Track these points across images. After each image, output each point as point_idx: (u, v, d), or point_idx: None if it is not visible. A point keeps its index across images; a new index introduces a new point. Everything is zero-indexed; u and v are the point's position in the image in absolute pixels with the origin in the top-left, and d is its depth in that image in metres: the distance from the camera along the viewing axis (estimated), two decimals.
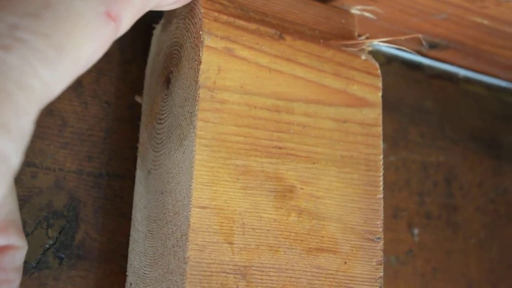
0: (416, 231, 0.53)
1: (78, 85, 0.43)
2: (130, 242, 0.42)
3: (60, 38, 0.28)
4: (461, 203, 0.56)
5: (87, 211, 0.42)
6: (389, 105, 0.55)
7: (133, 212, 0.42)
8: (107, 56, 0.44)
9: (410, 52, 0.55)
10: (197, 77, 0.38)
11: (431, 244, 0.54)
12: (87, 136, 0.43)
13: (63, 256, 0.41)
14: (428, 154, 0.55)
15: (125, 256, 0.42)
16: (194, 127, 0.37)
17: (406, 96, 0.56)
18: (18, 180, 0.40)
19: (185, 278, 0.35)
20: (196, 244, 0.36)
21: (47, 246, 0.41)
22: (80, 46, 0.29)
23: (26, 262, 0.39)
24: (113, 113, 0.44)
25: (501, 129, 0.60)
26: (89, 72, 0.43)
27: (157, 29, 0.44)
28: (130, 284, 0.41)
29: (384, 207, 0.50)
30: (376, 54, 0.55)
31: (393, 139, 0.54)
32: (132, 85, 0.45)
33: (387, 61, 0.56)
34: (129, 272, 0.41)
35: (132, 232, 0.42)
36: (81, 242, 0.42)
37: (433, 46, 0.55)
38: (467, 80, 0.60)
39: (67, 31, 0.28)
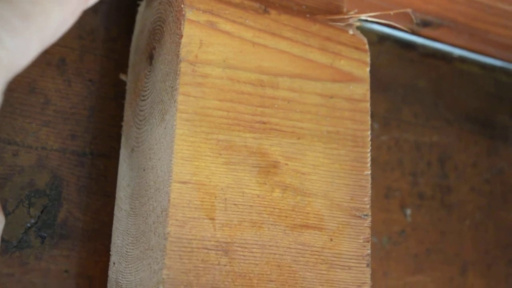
0: (409, 211, 0.52)
1: (61, 63, 0.42)
2: (114, 221, 0.41)
3: (26, 5, 0.27)
4: (455, 183, 0.55)
5: (70, 190, 0.41)
6: (381, 85, 0.54)
7: (117, 191, 0.41)
8: (92, 34, 0.44)
9: (402, 30, 0.54)
10: (179, 51, 0.37)
11: (425, 225, 0.53)
12: (70, 115, 0.42)
13: (45, 235, 0.40)
14: (421, 134, 0.55)
15: (109, 235, 0.41)
16: (175, 101, 0.36)
17: (399, 75, 0.55)
18: None
19: (165, 254, 0.34)
20: (176, 220, 0.35)
21: (28, 225, 0.40)
22: (47, 14, 0.28)
23: (7, 241, 0.39)
24: (97, 91, 0.43)
25: (496, 108, 0.59)
26: (72, 50, 0.43)
27: (142, 6, 0.43)
28: (114, 263, 0.40)
29: (376, 187, 0.50)
30: (368, 33, 0.54)
31: (385, 119, 0.53)
32: (116, 63, 0.44)
33: (379, 40, 0.55)
34: (113, 251, 0.41)
35: (116, 211, 0.41)
36: (64, 221, 0.41)
37: (426, 24, 0.54)
38: (462, 60, 0.59)
39: None
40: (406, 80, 0.55)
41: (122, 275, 0.39)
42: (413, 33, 0.56)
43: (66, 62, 0.43)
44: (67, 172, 0.42)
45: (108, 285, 0.40)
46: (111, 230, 0.41)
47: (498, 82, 0.60)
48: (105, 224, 0.42)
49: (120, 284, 0.39)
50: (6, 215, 0.39)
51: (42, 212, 0.40)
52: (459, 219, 0.55)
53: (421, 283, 0.52)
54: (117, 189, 0.41)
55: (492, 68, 0.60)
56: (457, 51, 0.58)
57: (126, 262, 0.39)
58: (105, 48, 0.44)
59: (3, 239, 0.38)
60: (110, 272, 0.41)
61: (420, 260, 0.52)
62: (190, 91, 0.37)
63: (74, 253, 0.41)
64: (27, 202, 0.40)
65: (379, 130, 0.52)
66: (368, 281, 0.39)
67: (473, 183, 0.56)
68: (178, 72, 0.37)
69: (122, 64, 0.44)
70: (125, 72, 0.44)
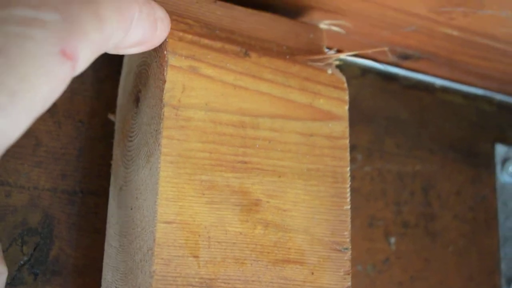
0: (393, 240, 0.54)
1: (52, 105, 0.44)
2: (105, 257, 0.43)
3: (12, 83, 0.27)
4: (439, 211, 0.57)
5: (62, 227, 0.43)
6: (364, 117, 0.55)
7: (107, 228, 0.43)
8: (81, 76, 0.45)
9: (384, 64, 0.56)
10: (162, 96, 0.39)
11: (409, 253, 0.54)
12: (61, 155, 0.44)
13: (38, 272, 0.42)
14: (404, 164, 0.56)
15: (99, 271, 0.43)
16: (159, 144, 0.38)
17: (381, 108, 0.57)
18: None
19: None
20: (162, 259, 0.37)
21: (21, 262, 0.42)
22: (34, 89, 0.28)
23: None
24: (87, 131, 0.45)
25: (479, 137, 0.61)
26: (63, 92, 0.44)
27: None
28: None
29: (360, 217, 0.51)
30: (350, 66, 0.56)
31: (368, 150, 0.55)
32: (105, 103, 0.46)
33: (362, 73, 0.57)
34: (103, 287, 0.42)
35: (106, 247, 0.43)
36: (56, 258, 0.43)
37: (406, 57, 0.56)
38: (444, 90, 0.60)
39: (20, 75, 0.27)
40: (389, 112, 0.57)
41: None
42: (395, 65, 0.57)
43: (57, 104, 0.44)
44: (58, 210, 0.43)
45: None
46: (101, 266, 0.43)
47: (480, 111, 0.62)
48: (95, 260, 0.43)
49: None
50: None
51: (34, 249, 0.42)
52: (443, 246, 0.56)
53: None
54: (107, 226, 0.43)
55: (474, 97, 0.62)
56: (439, 82, 0.60)
57: None
58: (94, 89, 0.46)
59: None
60: None
61: None
62: (173, 134, 0.38)
63: None
64: (20, 240, 0.42)
65: (362, 161, 0.54)
66: None
67: (456, 211, 0.58)
68: (162, 117, 0.38)
69: (110, 105, 0.46)
70: (114, 112, 0.45)
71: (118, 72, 0.46)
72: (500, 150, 0.61)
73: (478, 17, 0.48)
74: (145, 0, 0.36)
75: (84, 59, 0.31)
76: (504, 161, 0.61)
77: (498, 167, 0.61)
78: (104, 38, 0.32)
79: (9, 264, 0.41)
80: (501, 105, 0.63)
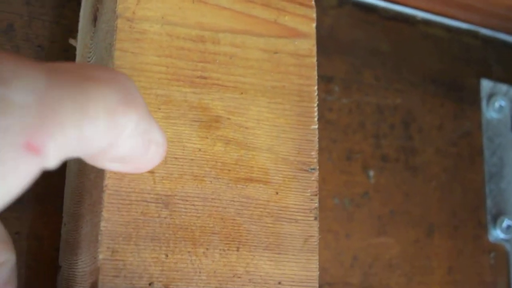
0: (371, 173, 0.52)
1: (9, 28, 0.43)
2: (66, 184, 0.42)
3: None
4: (420, 145, 0.55)
5: None
6: (341, 48, 0.54)
7: None
8: (40, 0, 0.44)
9: None
10: (116, 8, 0.37)
11: (388, 187, 0.53)
12: None
13: None
14: (383, 97, 0.54)
15: (60, 198, 0.41)
16: (112, 57, 0.37)
17: (359, 39, 0.55)
18: None
19: (103, 206, 0.35)
20: (115, 173, 0.35)
21: None
22: None
23: None
24: (46, 56, 0.43)
25: (463, 71, 0.59)
26: (20, 15, 0.43)
27: None
28: (64, 224, 0.41)
29: (337, 150, 0.50)
30: None
31: (345, 82, 0.53)
32: (65, 28, 0.44)
33: (339, 3, 0.55)
34: (64, 213, 0.41)
35: (67, 173, 0.42)
36: None
37: None
38: (426, 22, 0.59)
39: None
40: (367, 43, 0.55)
41: (70, 234, 0.39)
42: None
43: (14, 28, 0.43)
44: None
45: (61, 245, 0.41)
46: (62, 193, 0.42)
47: (465, 45, 0.60)
48: (56, 187, 0.42)
49: (69, 242, 0.39)
50: None
51: None
52: (424, 181, 0.54)
53: (385, 244, 0.52)
54: None
55: (458, 30, 0.60)
56: (420, 14, 0.58)
57: (74, 221, 0.39)
58: (54, 14, 0.44)
59: None
60: (62, 232, 0.41)
61: (384, 222, 0.52)
62: (127, 47, 0.37)
63: (25, 214, 0.41)
64: None
65: (340, 93, 0.52)
66: (316, 234, 0.39)
67: (439, 145, 0.56)
68: (115, 29, 0.37)
69: (71, 29, 0.44)
70: (75, 37, 0.44)
71: None
72: (486, 85, 0.59)
73: None
74: (147, 114, 0.30)
75: (55, 154, 0.25)
76: (490, 96, 0.59)
77: (484, 103, 0.59)
78: (82, 139, 0.26)
79: None
80: (486, 40, 0.61)
